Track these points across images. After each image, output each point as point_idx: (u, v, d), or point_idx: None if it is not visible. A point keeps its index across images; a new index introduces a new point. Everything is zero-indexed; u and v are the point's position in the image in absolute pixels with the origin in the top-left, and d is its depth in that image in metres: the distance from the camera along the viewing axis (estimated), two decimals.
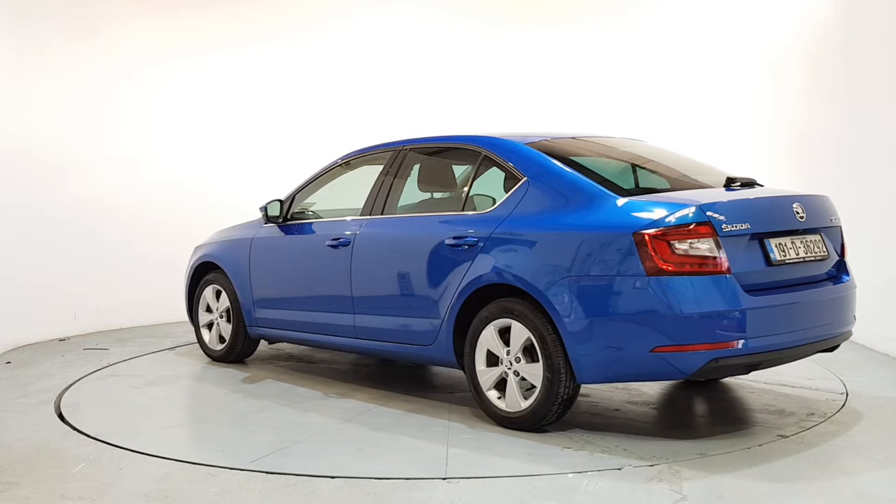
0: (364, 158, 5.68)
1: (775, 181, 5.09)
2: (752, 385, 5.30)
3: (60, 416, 4.95)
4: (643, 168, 4.88)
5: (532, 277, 4.28)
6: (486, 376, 4.55)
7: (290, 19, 8.74)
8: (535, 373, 4.31)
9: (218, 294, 6.33)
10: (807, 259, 4.35)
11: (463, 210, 4.85)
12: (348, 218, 5.44)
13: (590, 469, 3.83)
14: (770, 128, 7.90)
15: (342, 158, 5.75)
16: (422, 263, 4.85)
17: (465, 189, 4.91)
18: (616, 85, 8.92)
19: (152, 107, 8.18)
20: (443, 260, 4.74)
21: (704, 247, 3.94)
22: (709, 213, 3.98)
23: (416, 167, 5.36)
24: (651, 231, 3.94)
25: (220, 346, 6.32)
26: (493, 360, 4.54)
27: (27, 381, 5.83)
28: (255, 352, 6.46)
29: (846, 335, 4.54)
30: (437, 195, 5.36)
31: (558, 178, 4.46)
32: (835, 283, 4.50)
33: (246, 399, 5.27)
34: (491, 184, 4.86)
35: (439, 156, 5.44)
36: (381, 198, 5.28)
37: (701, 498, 3.48)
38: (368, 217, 5.27)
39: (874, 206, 6.05)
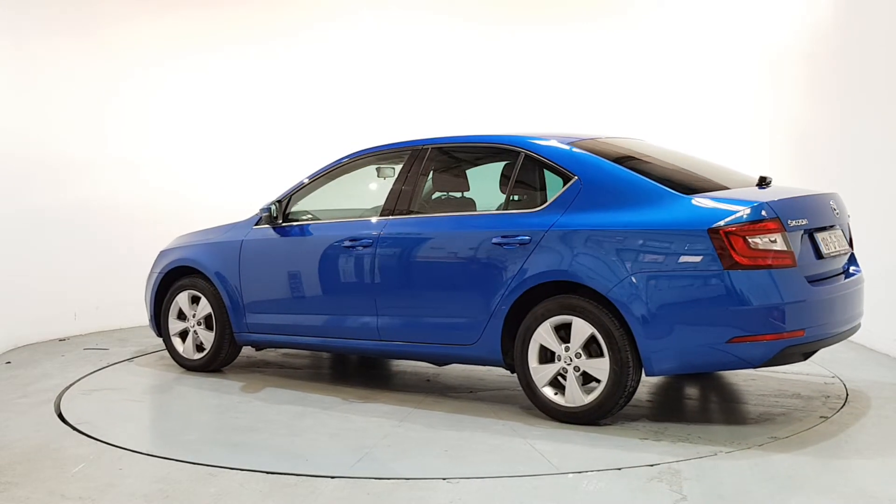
0: (370, 159, 5.58)
1: (776, 181, 5.10)
2: (755, 381, 5.31)
3: (60, 416, 4.95)
4: (675, 168, 4.89)
5: (601, 274, 4.38)
6: (541, 373, 4.59)
7: (291, 19, 8.73)
8: (600, 367, 4.40)
9: (194, 300, 5.99)
10: (840, 252, 4.68)
11: (506, 209, 4.86)
12: (367, 218, 5.33)
13: (676, 459, 3.86)
14: (770, 127, 7.90)
15: (346, 158, 5.60)
16: (463, 262, 4.84)
17: (507, 188, 4.90)
18: (616, 85, 8.91)
19: (152, 107, 8.17)
20: (489, 259, 4.74)
21: (776, 241, 4.19)
22: (776, 210, 4.23)
23: (445, 167, 5.31)
24: (727, 227, 4.14)
25: (198, 355, 5.96)
26: (544, 356, 4.59)
27: (27, 381, 5.83)
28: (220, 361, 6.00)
29: (860, 324, 4.80)
30: (471, 195, 5.29)
31: (616, 178, 4.57)
32: (852, 276, 4.77)
33: (272, 406, 5.10)
34: (536, 183, 4.88)
35: (471, 155, 5.40)
36: (404, 197, 5.18)
37: (701, 498, 3.48)
38: (392, 217, 5.16)
39: (874, 206, 6.05)
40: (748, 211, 4.19)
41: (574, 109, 8.77)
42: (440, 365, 5.54)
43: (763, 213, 4.19)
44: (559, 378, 4.55)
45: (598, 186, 4.57)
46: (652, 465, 3.85)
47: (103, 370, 6.18)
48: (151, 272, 6.34)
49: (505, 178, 4.99)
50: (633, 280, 4.29)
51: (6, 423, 4.84)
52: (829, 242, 4.59)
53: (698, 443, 4.17)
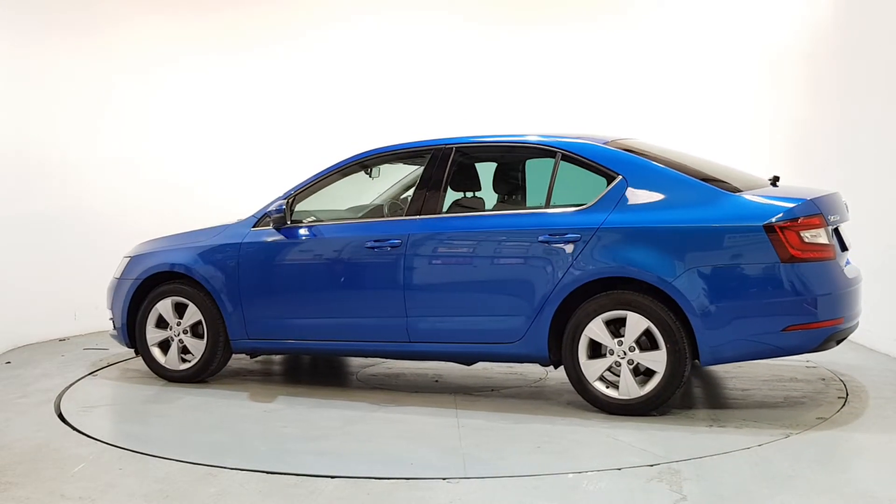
0: (382, 158, 5.48)
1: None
2: (755, 383, 5.31)
3: (60, 416, 4.94)
4: (689, 167, 4.90)
5: (659, 269, 4.51)
6: (593, 368, 4.68)
7: (291, 21, 8.73)
8: (655, 360, 4.54)
9: (178, 307, 5.65)
10: (849, 246, 4.95)
11: (548, 207, 4.89)
12: (392, 218, 5.28)
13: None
14: (770, 127, 7.90)
15: (353, 158, 5.48)
16: (507, 261, 4.88)
17: (548, 188, 4.93)
18: (616, 85, 8.90)
19: (152, 107, 8.17)
20: (535, 256, 4.78)
21: (821, 236, 4.49)
22: (819, 206, 4.53)
23: (475, 166, 5.33)
24: (781, 223, 4.39)
25: (185, 365, 5.63)
26: (593, 351, 4.68)
27: (27, 381, 5.83)
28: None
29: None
30: (505, 194, 5.32)
31: (665, 177, 4.72)
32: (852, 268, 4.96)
33: (309, 413, 4.93)
34: (577, 183, 4.95)
35: (502, 155, 5.43)
36: (432, 197, 5.12)
37: (701, 498, 3.48)
38: (422, 217, 5.08)
39: (874, 206, 6.05)
40: (797, 207, 4.45)
41: (573, 109, 8.76)
42: (469, 364, 5.43)
43: (810, 209, 4.47)
44: (606, 371, 4.67)
45: (646, 185, 4.71)
46: (652, 465, 3.85)
47: (103, 370, 6.18)
48: (122, 279, 5.90)
49: (535, 178, 5.05)
50: (692, 274, 4.45)
51: (6, 423, 4.84)
52: (845, 237, 4.87)
53: (781, 427, 4.37)
